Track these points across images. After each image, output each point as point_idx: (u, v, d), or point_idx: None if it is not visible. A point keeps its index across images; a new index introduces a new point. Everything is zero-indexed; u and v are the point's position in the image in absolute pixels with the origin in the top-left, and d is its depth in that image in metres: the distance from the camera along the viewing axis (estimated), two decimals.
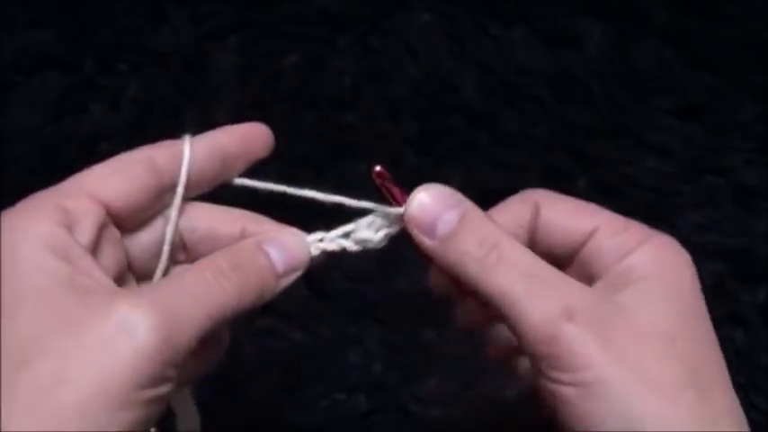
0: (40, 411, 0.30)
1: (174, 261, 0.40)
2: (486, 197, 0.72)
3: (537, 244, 0.39)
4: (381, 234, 0.41)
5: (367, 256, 0.66)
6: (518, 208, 0.40)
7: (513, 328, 0.35)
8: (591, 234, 0.38)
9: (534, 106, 0.72)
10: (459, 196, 0.38)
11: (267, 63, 0.73)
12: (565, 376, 0.33)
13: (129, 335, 0.31)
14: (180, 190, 0.38)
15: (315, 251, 0.40)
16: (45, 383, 0.30)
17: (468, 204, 0.38)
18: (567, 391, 0.33)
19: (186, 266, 0.40)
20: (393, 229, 0.41)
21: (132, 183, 0.37)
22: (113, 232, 0.37)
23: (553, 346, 0.34)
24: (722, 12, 0.75)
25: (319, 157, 0.69)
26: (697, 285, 0.37)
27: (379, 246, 0.41)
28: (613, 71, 0.73)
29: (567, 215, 0.39)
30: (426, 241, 0.38)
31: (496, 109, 0.71)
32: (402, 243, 0.67)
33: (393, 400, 0.61)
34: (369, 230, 0.40)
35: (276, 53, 0.73)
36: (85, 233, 0.35)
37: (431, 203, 0.38)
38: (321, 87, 0.72)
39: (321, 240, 0.40)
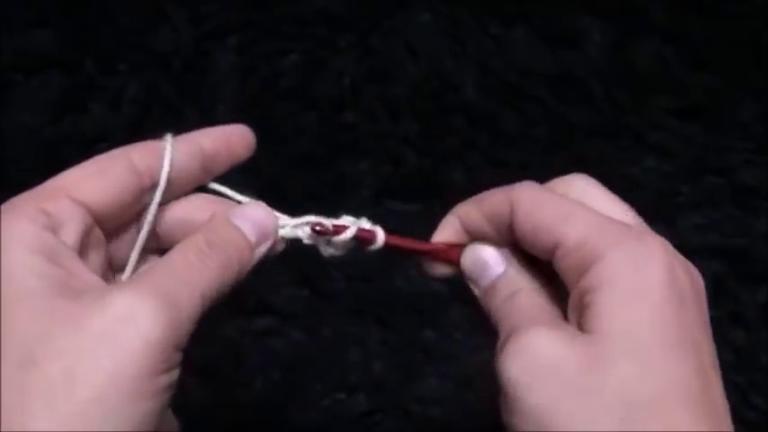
0: (59, 409, 0.30)
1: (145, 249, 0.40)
2: None
3: (520, 243, 0.39)
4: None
5: (367, 256, 0.66)
6: (492, 207, 0.40)
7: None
8: (555, 246, 0.36)
9: (534, 106, 0.72)
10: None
11: (267, 63, 0.73)
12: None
13: (134, 325, 0.31)
14: (159, 192, 0.38)
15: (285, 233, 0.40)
16: (58, 382, 0.30)
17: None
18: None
19: (157, 257, 0.40)
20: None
21: (112, 184, 0.37)
22: (97, 233, 0.37)
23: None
24: (722, 12, 0.75)
25: (319, 157, 0.69)
26: (666, 289, 0.34)
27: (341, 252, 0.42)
28: (613, 71, 0.73)
29: (536, 220, 0.37)
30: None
31: (496, 109, 0.71)
32: None
33: (393, 400, 0.62)
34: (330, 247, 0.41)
35: (276, 53, 0.73)
36: (71, 236, 0.35)
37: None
38: (321, 87, 0.72)
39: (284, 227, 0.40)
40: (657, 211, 0.68)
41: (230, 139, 0.40)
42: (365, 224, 0.41)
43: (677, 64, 0.73)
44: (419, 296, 0.65)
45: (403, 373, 0.63)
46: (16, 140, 0.68)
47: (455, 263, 0.41)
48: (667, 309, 0.33)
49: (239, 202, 0.40)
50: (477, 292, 0.41)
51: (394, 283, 0.65)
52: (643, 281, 0.34)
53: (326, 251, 0.41)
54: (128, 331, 0.31)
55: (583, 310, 0.34)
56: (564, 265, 0.36)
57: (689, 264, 0.36)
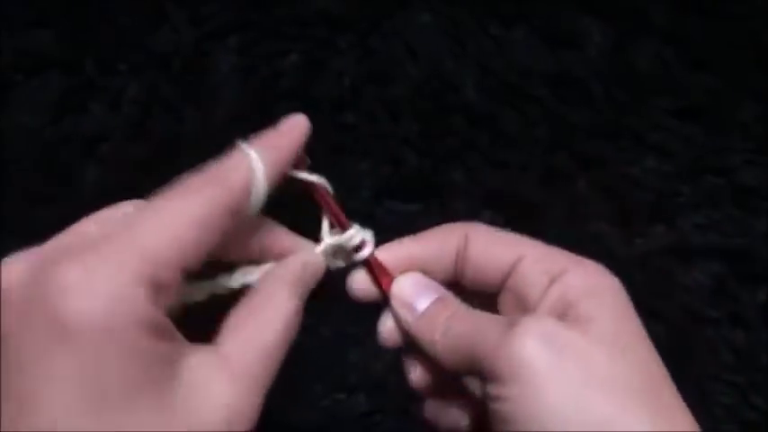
0: None
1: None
2: (487, 197, 0.72)
3: (467, 275, 0.41)
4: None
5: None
6: (444, 237, 0.41)
7: (477, 368, 0.36)
8: (516, 262, 0.39)
9: (534, 106, 0.72)
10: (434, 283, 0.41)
11: (267, 63, 0.73)
12: (513, 389, 0.33)
13: (235, 418, 0.33)
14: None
15: None
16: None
17: (442, 290, 0.41)
18: (515, 406, 0.33)
19: (205, 281, 0.39)
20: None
21: (215, 246, 0.34)
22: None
23: (503, 357, 0.34)
24: (722, 12, 0.75)
25: (319, 157, 0.69)
26: (630, 304, 0.36)
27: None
28: (613, 71, 0.73)
29: (492, 246, 0.40)
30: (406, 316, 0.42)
31: (496, 109, 0.71)
32: None
33: (393, 400, 0.62)
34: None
35: (276, 53, 0.73)
36: (169, 303, 0.32)
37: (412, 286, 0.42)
38: (321, 87, 0.72)
39: None
40: (657, 211, 0.68)
41: (300, 139, 0.41)
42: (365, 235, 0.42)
43: (677, 64, 0.73)
44: None
45: (403, 373, 0.62)
46: (16, 140, 0.68)
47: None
48: (632, 313, 0.36)
49: None
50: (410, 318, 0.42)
51: None
52: (612, 289, 0.36)
53: (334, 264, 0.42)
54: (231, 424, 0.32)
55: (566, 308, 0.36)
56: (535, 269, 0.38)
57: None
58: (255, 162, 0.36)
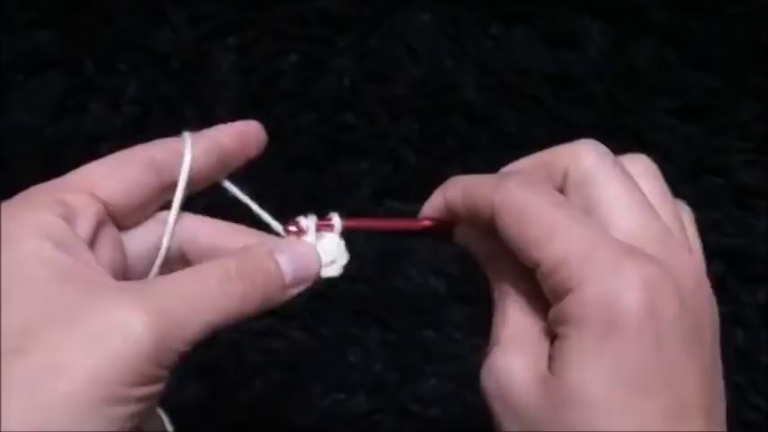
0: (32, 401, 0.30)
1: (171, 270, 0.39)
2: None
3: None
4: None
5: (367, 255, 0.66)
6: (481, 199, 0.37)
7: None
8: (535, 266, 0.34)
9: (534, 106, 0.72)
10: None
11: (267, 63, 0.72)
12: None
13: (124, 334, 0.31)
14: (180, 190, 0.38)
15: None
16: (39, 373, 0.30)
17: None
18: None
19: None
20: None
21: (132, 182, 0.37)
22: (112, 230, 0.37)
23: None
24: (722, 12, 0.75)
25: (319, 157, 0.69)
26: (642, 330, 0.32)
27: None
28: (613, 71, 0.73)
29: (513, 240, 0.35)
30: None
31: (496, 109, 0.71)
32: (402, 243, 0.67)
33: (393, 400, 0.62)
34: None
35: (276, 53, 0.73)
36: (84, 227, 0.35)
37: None
38: (321, 87, 0.72)
39: None
40: None
41: (245, 136, 0.40)
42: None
43: (677, 64, 0.73)
44: (419, 296, 0.65)
45: (403, 373, 0.63)
46: (16, 140, 0.68)
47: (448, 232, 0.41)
48: (637, 350, 0.32)
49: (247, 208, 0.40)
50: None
51: (394, 283, 0.65)
52: (613, 321, 0.32)
53: (326, 272, 0.40)
54: (117, 339, 0.31)
55: (555, 337, 0.34)
56: (543, 285, 0.34)
57: (685, 281, 0.34)
58: (188, 135, 0.39)
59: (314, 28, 0.74)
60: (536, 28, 0.74)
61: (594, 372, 0.32)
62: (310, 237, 0.40)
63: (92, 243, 0.35)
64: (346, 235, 0.41)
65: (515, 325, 0.37)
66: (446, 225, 0.40)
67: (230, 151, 0.40)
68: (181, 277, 0.35)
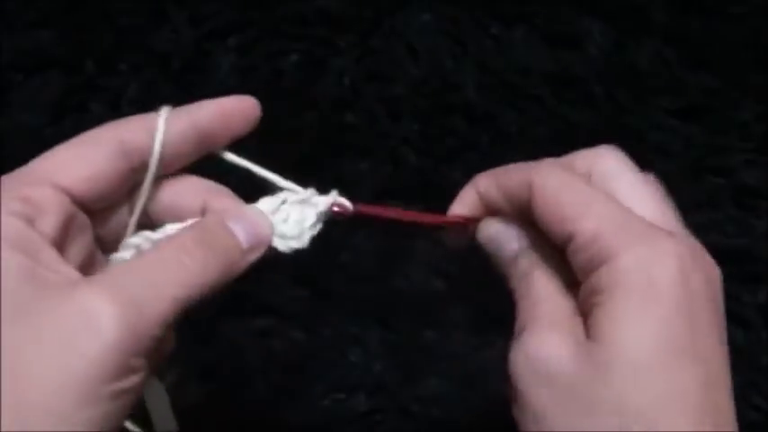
0: (5, 408, 0.29)
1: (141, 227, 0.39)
2: None
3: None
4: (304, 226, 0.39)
5: (367, 255, 0.66)
6: (518, 181, 0.39)
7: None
8: (569, 240, 0.35)
9: (534, 106, 0.72)
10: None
11: (267, 63, 0.72)
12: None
13: (91, 326, 0.30)
14: (150, 174, 0.37)
15: None
16: (7, 381, 0.29)
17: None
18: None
19: (131, 237, 0.38)
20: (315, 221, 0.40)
21: (98, 168, 0.36)
22: (81, 218, 0.36)
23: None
24: (722, 12, 0.75)
25: (319, 157, 0.69)
26: (680, 299, 0.33)
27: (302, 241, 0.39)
28: (613, 71, 0.73)
29: (550, 215, 0.36)
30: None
31: (496, 109, 0.71)
32: (402, 242, 0.67)
33: (393, 400, 0.61)
34: (285, 224, 0.39)
35: (276, 53, 0.73)
36: (50, 224, 0.34)
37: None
38: (321, 87, 0.72)
39: None
40: None
41: (228, 113, 0.39)
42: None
43: (677, 64, 0.73)
44: (419, 296, 0.65)
45: (403, 373, 0.63)
46: (16, 140, 0.68)
47: (471, 235, 0.41)
48: (676, 317, 0.32)
49: (252, 173, 0.39)
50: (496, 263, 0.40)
51: (394, 283, 0.65)
52: (652, 287, 0.33)
53: (289, 244, 0.39)
54: (83, 332, 0.30)
55: (591, 308, 0.34)
56: (575, 260, 0.35)
57: (706, 261, 0.35)
58: (162, 113, 0.37)
59: (314, 28, 0.74)
60: (536, 28, 0.74)
61: (639, 333, 0.32)
62: (271, 204, 0.39)
63: (61, 238, 0.34)
64: (349, 225, 0.41)
65: (546, 306, 0.36)
66: (470, 221, 0.41)
67: (211, 130, 0.39)
68: (139, 261, 0.34)
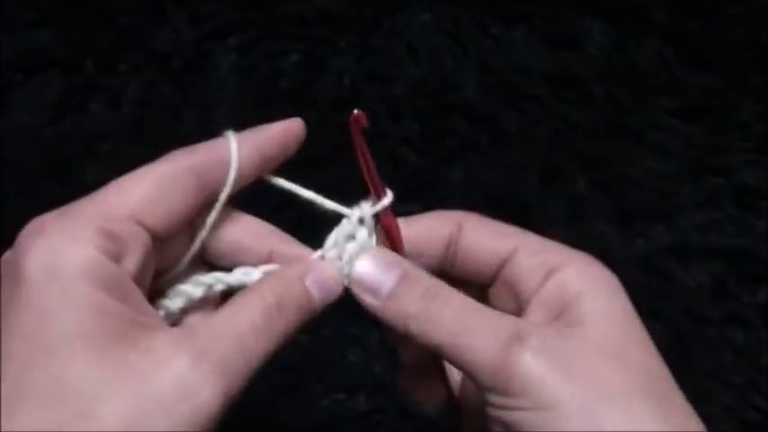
0: None
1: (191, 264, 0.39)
2: (486, 197, 0.72)
3: (458, 264, 0.40)
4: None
5: None
6: (437, 223, 0.40)
7: (466, 368, 0.35)
8: (511, 253, 0.38)
9: (534, 106, 0.72)
10: (397, 258, 0.38)
11: (267, 63, 0.72)
12: (520, 402, 0.33)
13: (193, 397, 0.31)
14: (220, 205, 0.37)
15: None
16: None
17: (406, 264, 0.38)
18: (523, 416, 0.33)
19: (204, 270, 0.39)
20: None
21: (180, 206, 0.35)
22: (152, 253, 0.36)
23: (506, 372, 0.33)
24: (722, 12, 0.75)
25: (319, 157, 0.69)
26: (629, 301, 0.36)
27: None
28: (613, 71, 0.73)
29: (487, 236, 0.39)
30: (371, 301, 0.38)
31: (496, 109, 0.71)
32: None
33: (393, 400, 0.61)
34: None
35: (276, 53, 0.73)
36: (133, 263, 0.33)
37: (372, 268, 0.38)
38: (321, 87, 0.72)
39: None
40: (657, 211, 0.68)
41: (287, 137, 0.40)
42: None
43: (677, 64, 0.73)
44: None
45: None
46: (16, 140, 0.68)
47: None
48: (631, 311, 0.36)
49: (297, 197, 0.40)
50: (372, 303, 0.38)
51: None
52: (610, 286, 0.36)
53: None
54: (186, 401, 0.30)
55: (567, 303, 0.36)
56: (530, 262, 0.37)
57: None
58: (232, 141, 0.37)
59: (314, 28, 0.74)
60: (536, 28, 0.74)
61: (611, 327, 0.35)
62: (335, 248, 0.39)
63: (139, 276, 0.34)
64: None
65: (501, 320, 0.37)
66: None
67: (272, 155, 0.39)
68: (228, 320, 0.34)
